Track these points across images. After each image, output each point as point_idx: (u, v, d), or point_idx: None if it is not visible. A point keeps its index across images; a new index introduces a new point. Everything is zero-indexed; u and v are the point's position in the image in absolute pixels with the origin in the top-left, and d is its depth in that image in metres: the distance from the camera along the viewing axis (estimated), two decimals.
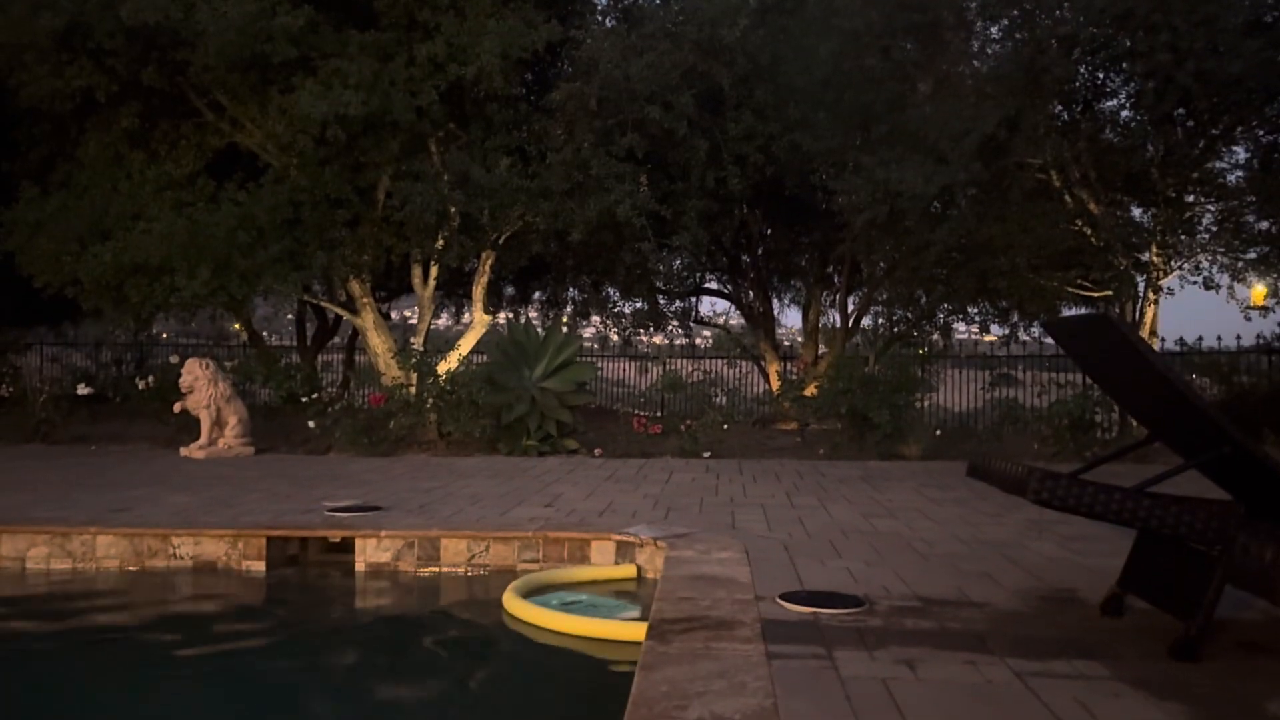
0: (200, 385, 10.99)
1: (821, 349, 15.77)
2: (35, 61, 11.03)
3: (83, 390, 13.30)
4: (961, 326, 15.68)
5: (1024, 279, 12.13)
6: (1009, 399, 12.90)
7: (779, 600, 4.31)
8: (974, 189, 11.58)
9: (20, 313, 15.07)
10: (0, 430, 12.08)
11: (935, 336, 14.49)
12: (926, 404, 12.77)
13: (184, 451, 10.96)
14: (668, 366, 14.46)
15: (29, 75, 11.15)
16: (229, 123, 12.11)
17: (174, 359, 13.28)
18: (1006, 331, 14.84)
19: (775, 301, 16.80)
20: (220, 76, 11.22)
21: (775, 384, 15.23)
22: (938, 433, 11.87)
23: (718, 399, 13.18)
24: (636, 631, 4.39)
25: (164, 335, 19.26)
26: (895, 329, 14.17)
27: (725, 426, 11.73)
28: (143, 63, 11.19)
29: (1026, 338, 15.55)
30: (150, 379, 12.96)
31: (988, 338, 16.91)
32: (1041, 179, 11.79)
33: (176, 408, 11.20)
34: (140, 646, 5.11)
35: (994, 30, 12.12)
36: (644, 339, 17.25)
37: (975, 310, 14.47)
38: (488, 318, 12.89)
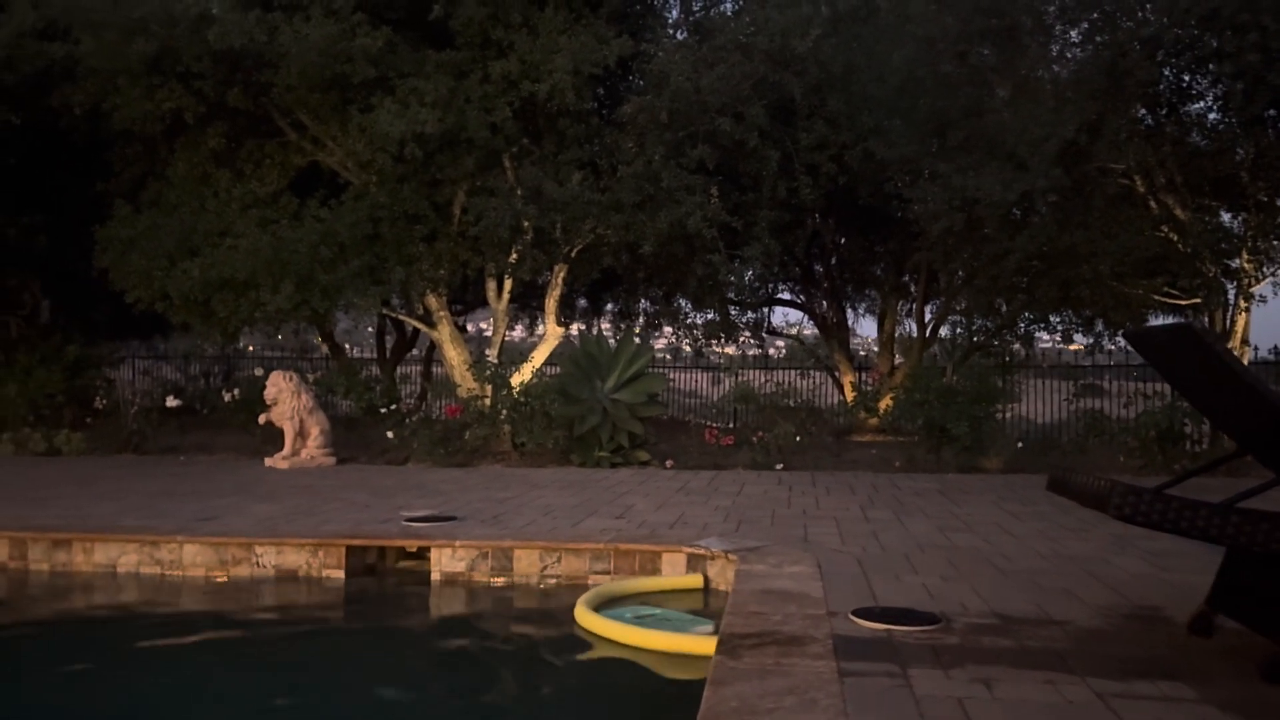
0: (284, 397, 11.20)
1: (897, 359, 15.58)
2: (128, 85, 11.35)
3: (172, 402, 13.68)
4: (1044, 336, 15.31)
5: (1108, 287, 11.82)
6: (1094, 410, 12.61)
7: (852, 616, 4.27)
8: (1055, 195, 11.30)
9: (114, 327, 15.69)
10: (95, 441, 12.45)
11: (1016, 346, 14.16)
12: (1008, 415, 12.54)
13: (268, 462, 11.16)
14: (740, 377, 14.32)
15: (122, 99, 11.48)
16: (310, 141, 12.39)
17: (259, 372, 13.75)
18: (1091, 341, 14.46)
19: (849, 311, 16.69)
20: (302, 97, 11.48)
21: (850, 395, 15.05)
22: (1019, 445, 11.59)
23: (793, 404, 13.12)
24: (709, 646, 4.37)
25: (250, 348, 19.77)
26: (974, 339, 13.89)
27: (798, 438, 11.66)
28: (228, 85, 11.50)
29: (1112, 347, 15.12)
30: (236, 391, 13.37)
31: (1072, 347, 16.48)
32: (1125, 184, 11.49)
33: (261, 419, 11.44)
34: (230, 648, 5.27)
35: (1074, 34, 11.84)
36: (716, 350, 17.18)
37: (1058, 319, 14.12)
38: (560, 330, 12.99)
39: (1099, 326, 14.17)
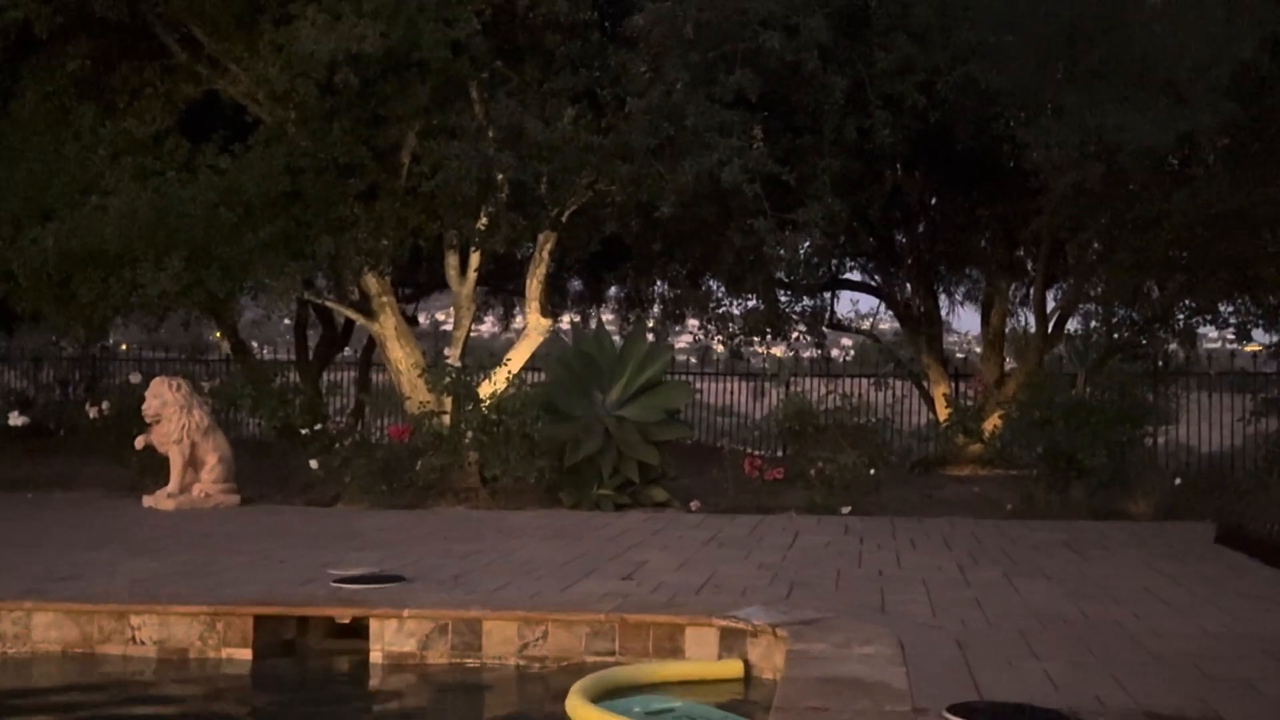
0: (170, 413, 11.24)
1: (1008, 363, 15.70)
2: None
3: (16, 420, 13.76)
4: (1212, 332, 15.26)
5: None
6: None
7: (947, 715, 4.30)
8: (1226, 138, 11.25)
9: None
10: None
11: (1173, 346, 14.12)
12: (1161, 441, 12.59)
13: (148, 501, 11.23)
14: (792, 388, 14.37)
15: None
16: (207, 65, 12.26)
17: (135, 378, 13.39)
18: (1276, 339, 14.41)
19: (943, 298, 16.67)
20: (195, 2, 11.43)
21: (942, 412, 15.02)
22: (1177, 481, 11.64)
23: (865, 424, 13.26)
24: None
25: (123, 347, 19.72)
26: (1115, 335, 13.83)
27: (872, 471, 11.75)
28: None
29: None
30: (105, 405, 13.13)
31: (1250, 347, 16.40)
32: None
33: (139, 443, 11.46)
34: None
35: None
36: (759, 350, 17.08)
37: (1229, 309, 14.06)
38: (546, 322, 12.92)
39: None
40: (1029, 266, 16.01)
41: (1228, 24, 10.52)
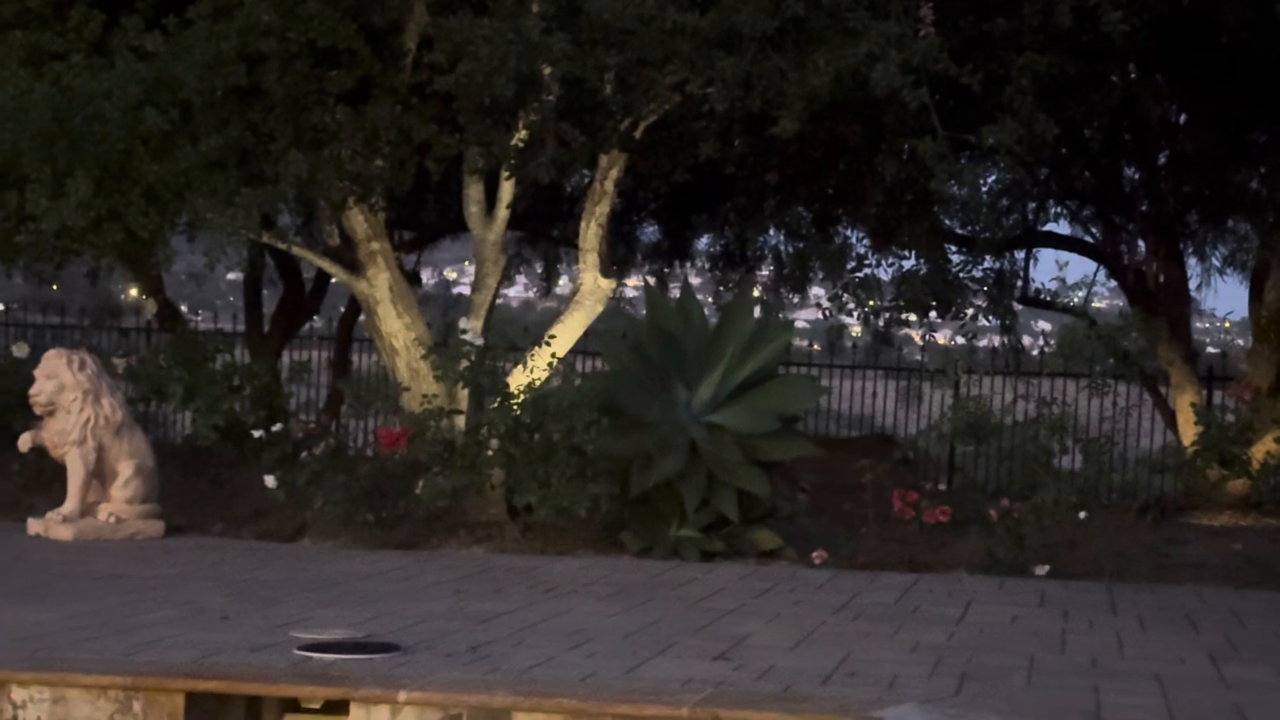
0: (70, 401, 11.31)
1: None
2: None
3: None
4: None
5: None
6: None
7: None
8: None
9: None
10: None
11: None
12: None
13: (35, 526, 11.33)
14: (964, 389, 13.97)
15: None
16: None
17: (20, 351, 13.64)
18: None
19: (1192, 263, 16.47)
20: None
21: (1188, 431, 14.58)
22: None
23: (1065, 457, 12.63)
24: None
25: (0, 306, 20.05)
26: None
27: (1082, 514, 11.55)
28: None
29: None
30: None
31: None
32: None
33: (24, 442, 11.59)
34: None
35: None
36: (915, 334, 16.84)
37: None
38: (608, 285, 12.90)
39: None
40: None
41: None
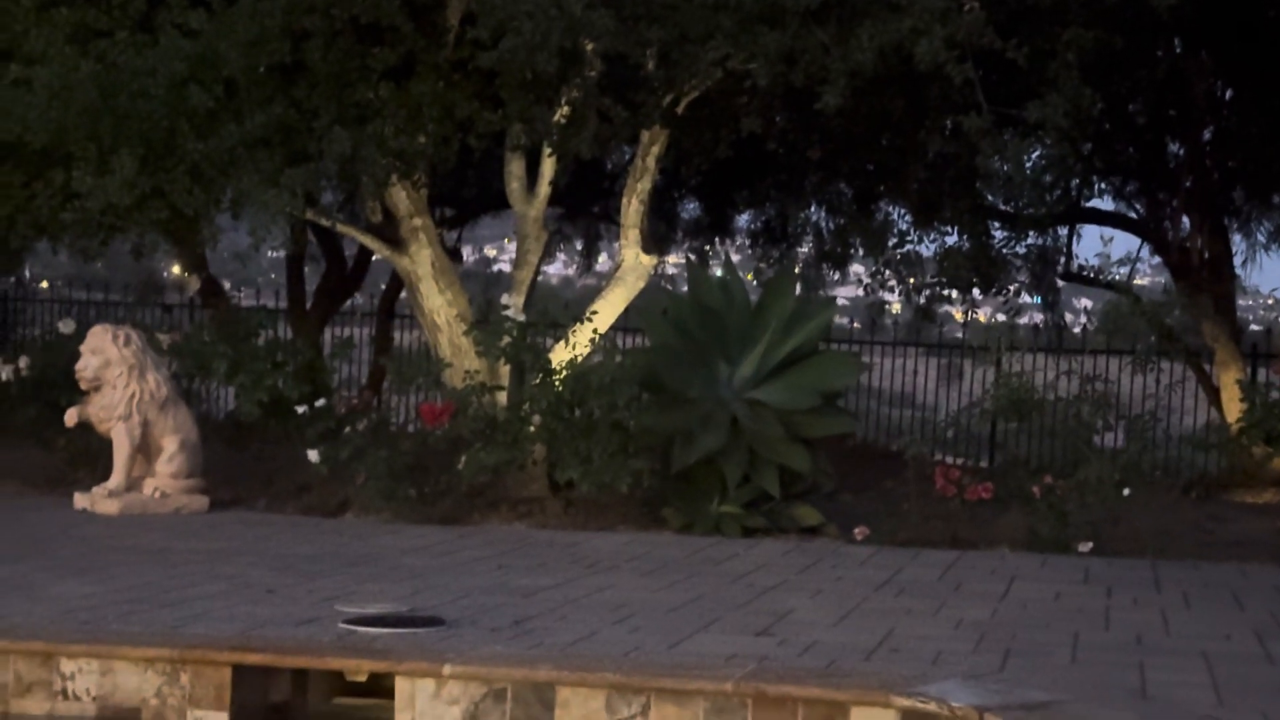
0: (115, 376, 10.56)
1: None
2: None
3: None
4: None
5: None
6: None
7: None
8: None
9: None
10: None
11: None
12: None
13: (82, 500, 10.62)
14: (1008, 366, 12.75)
15: None
16: None
17: (67, 327, 12.93)
18: None
19: (1237, 240, 15.54)
20: None
21: (1233, 409, 13.47)
22: None
23: (1108, 434, 11.88)
24: None
25: (44, 284, 19.86)
26: None
27: (1126, 491, 10.55)
28: None
29: None
30: (23, 364, 12.55)
31: None
32: None
33: (70, 417, 10.83)
34: None
35: None
36: (957, 313, 16.15)
37: None
38: (650, 261, 12.13)
39: None
40: None
41: None
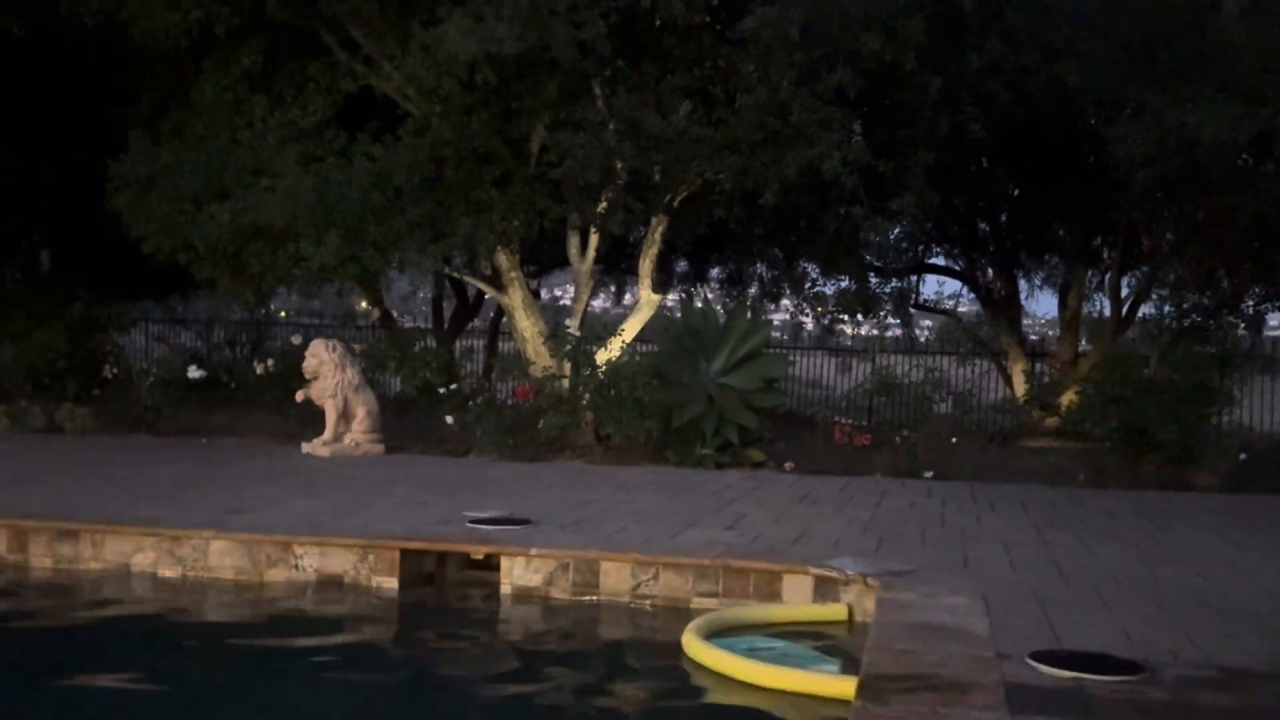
0: (326, 370, 11.43)
1: (1082, 345, 15.26)
2: None
3: (194, 374, 13.94)
4: (1275, 319, 14.78)
5: None
6: None
7: (1030, 661, 4.26)
8: None
9: (126, 283, 15.88)
10: (102, 417, 12.90)
11: (1241, 330, 13.70)
12: (1225, 420, 12.10)
13: (306, 448, 11.39)
14: (879, 362, 14.07)
15: (141, 7, 11.57)
16: (363, 63, 12.35)
17: (296, 340, 13.72)
18: None
19: (1022, 283, 16.24)
20: (355, 7, 11.49)
21: (1020, 388, 14.73)
22: (1242, 457, 11.12)
23: (943, 405, 12.84)
24: (842, 688, 4.43)
25: (283, 314, 20.00)
26: (1186, 321, 13.47)
27: (954, 440, 11.57)
28: None
29: None
30: (269, 363, 13.58)
31: None
32: None
33: (299, 396, 11.68)
34: (262, 664, 5.46)
35: None
36: (847, 329, 17.02)
37: None
38: (657, 298, 12.81)
39: None
40: (1105, 255, 15.60)
41: None
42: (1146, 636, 4.71)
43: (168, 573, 6.71)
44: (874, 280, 15.04)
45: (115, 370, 14.05)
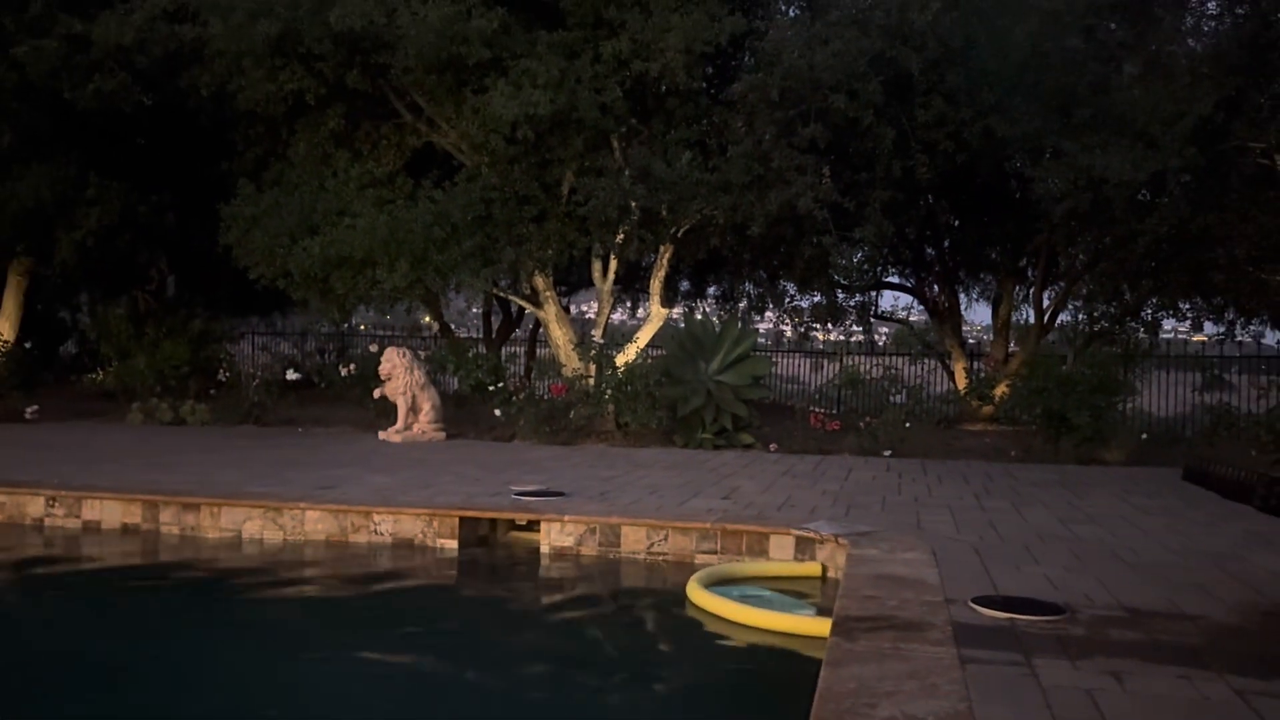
0: (398, 373, 11.35)
1: (1012, 347, 15.08)
2: (252, 67, 11.62)
3: (291, 376, 14.05)
4: (1168, 324, 14.67)
5: (1244, 273, 11.30)
6: (1222, 403, 12.13)
7: (971, 604, 4.21)
8: (1188, 176, 10.85)
9: (235, 303, 16.16)
10: (218, 412, 12.91)
11: (1141, 333, 13.59)
12: (1130, 407, 12.07)
13: (382, 435, 11.34)
14: (846, 362, 14.06)
15: (246, 80, 11.75)
16: (426, 123, 12.44)
17: (373, 348, 13.73)
18: (1222, 330, 13.80)
19: (962, 296, 16.14)
20: (419, 78, 11.53)
21: (961, 382, 14.64)
22: (1144, 436, 11.18)
23: (898, 397, 12.76)
24: (818, 627, 4.40)
25: (361, 327, 19.96)
26: (1096, 326, 13.40)
27: (908, 425, 11.43)
28: (348, 66, 11.64)
29: (1244, 337, 14.42)
30: (351, 367, 13.62)
31: (1197, 337, 15.76)
32: (1265, 164, 10.98)
33: (376, 394, 11.63)
34: (351, 610, 5.45)
35: (1211, 5, 11.39)
36: (819, 335, 16.87)
37: (1187, 306, 13.53)
38: (665, 311, 12.83)
39: (1231, 315, 13.55)
40: (1030, 273, 15.47)
41: (1191, 87, 10.25)
42: (1067, 584, 4.69)
43: (272, 537, 6.74)
44: (841, 296, 14.90)
45: (228, 374, 14.21)
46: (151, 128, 13.47)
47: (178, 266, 15.87)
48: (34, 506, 7.12)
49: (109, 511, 7.01)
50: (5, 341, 13.93)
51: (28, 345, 14.30)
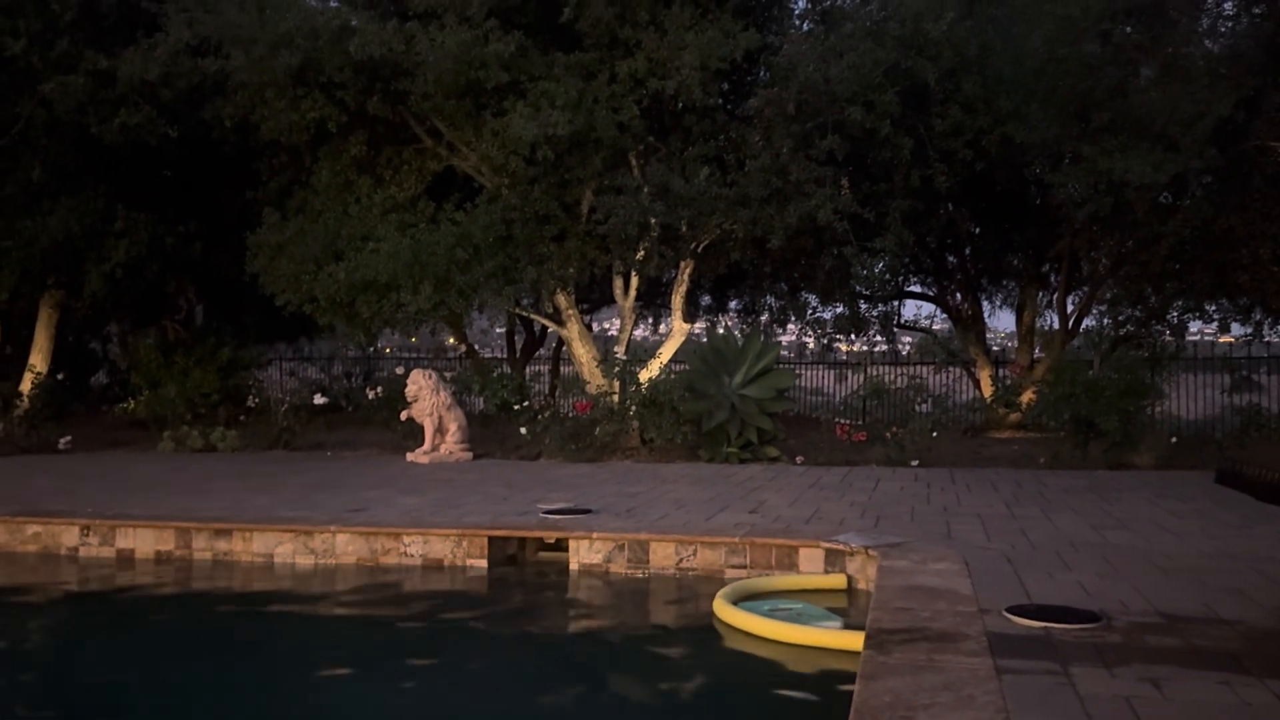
0: (424, 394, 11.35)
1: (1037, 353, 14.87)
2: (274, 97, 11.73)
3: (319, 400, 14.02)
4: (1194, 326, 14.48)
5: (1269, 272, 11.18)
6: (1251, 405, 11.98)
7: (1005, 613, 4.17)
8: (1209, 177, 10.76)
9: (262, 330, 16.24)
10: (247, 438, 12.91)
11: (1167, 336, 13.44)
12: (1157, 411, 11.91)
13: (409, 457, 11.32)
14: (870, 373, 13.88)
15: (269, 110, 11.85)
16: (446, 147, 12.49)
17: (399, 370, 13.76)
18: (1249, 331, 13.62)
19: (985, 304, 16.02)
20: (438, 104, 11.58)
21: (987, 390, 14.49)
22: (1173, 440, 11.05)
23: (924, 406, 12.59)
24: (850, 641, 4.36)
25: (387, 350, 20.01)
26: (1121, 330, 13.26)
27: (934, 434, 11.32)
28: (368, 94, 11.71)
29: (1272, 337, 14.22)
30: (378, 389, 13.64)
31: (1224, 338, 15.55)
32: None
33: (403, 416, 11.64)
34: (379, 633, 5.46)
35: (1228, 5, 11.31)
36: (842, 346, 16.67)
37: (1213, 307, 13.37)
38: (687, 326, 12.76)
39: (1258, 315, 13.39)
40: (1052, 279, 15.28)
41: (1210, 88, 10.17)
42: (1101, 591, 4.63)
43: (303, 561, 6.74)
44: (863, 306, 14.75)
45: (256, 400, 14.26)
46: (177, 159, 13.63)
47: (205, 295, 16.00)
48: (69, 536, 7.17)
49: (142, 539, 7.05)
50: (38, 373, 14.10)
51: (59, 376, 14.44)
